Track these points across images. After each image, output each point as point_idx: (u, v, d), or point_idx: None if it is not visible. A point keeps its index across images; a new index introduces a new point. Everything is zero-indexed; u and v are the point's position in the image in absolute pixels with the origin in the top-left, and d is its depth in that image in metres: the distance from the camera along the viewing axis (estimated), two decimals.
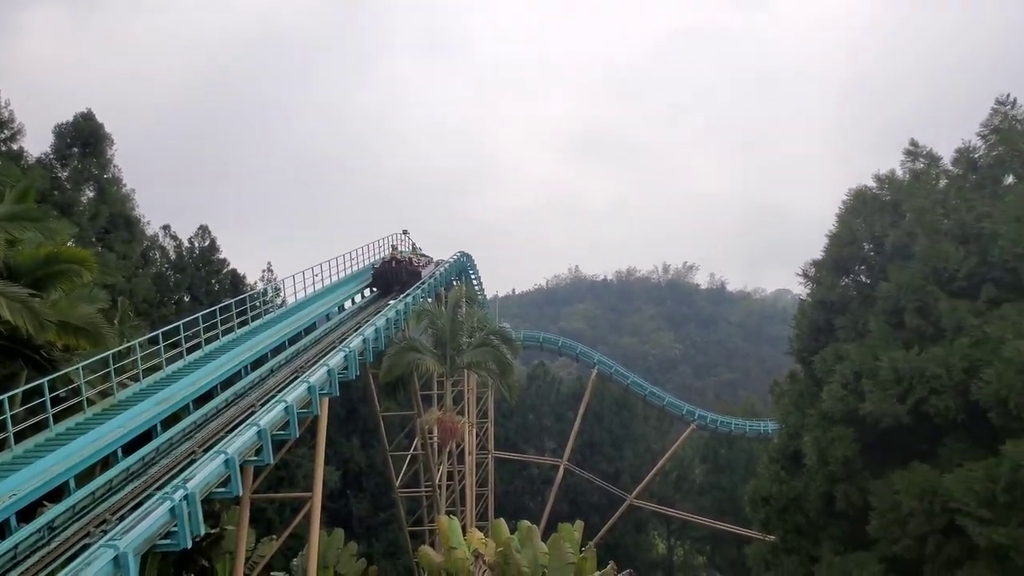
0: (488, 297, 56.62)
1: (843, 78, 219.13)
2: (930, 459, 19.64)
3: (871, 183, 24.39)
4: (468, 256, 46.74)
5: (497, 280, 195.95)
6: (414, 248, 38.22)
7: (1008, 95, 22.57)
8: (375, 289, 33.69)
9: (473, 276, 48.10)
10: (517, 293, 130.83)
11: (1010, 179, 22.48)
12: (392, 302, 30.39)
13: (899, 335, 21.23)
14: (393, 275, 33.56)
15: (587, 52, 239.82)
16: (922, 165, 23.83)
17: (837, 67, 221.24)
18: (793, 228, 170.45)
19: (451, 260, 41.64)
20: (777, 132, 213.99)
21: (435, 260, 39.91)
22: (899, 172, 24.20)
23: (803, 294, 26.89)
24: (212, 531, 19.91)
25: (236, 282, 38.87)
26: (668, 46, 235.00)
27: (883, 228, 23.01)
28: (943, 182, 23.33)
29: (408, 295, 31.45)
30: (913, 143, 24.35)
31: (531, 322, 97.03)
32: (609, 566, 23.41)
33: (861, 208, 23.99)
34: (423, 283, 33.82)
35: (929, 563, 19.05)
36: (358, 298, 33.15)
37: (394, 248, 36.06)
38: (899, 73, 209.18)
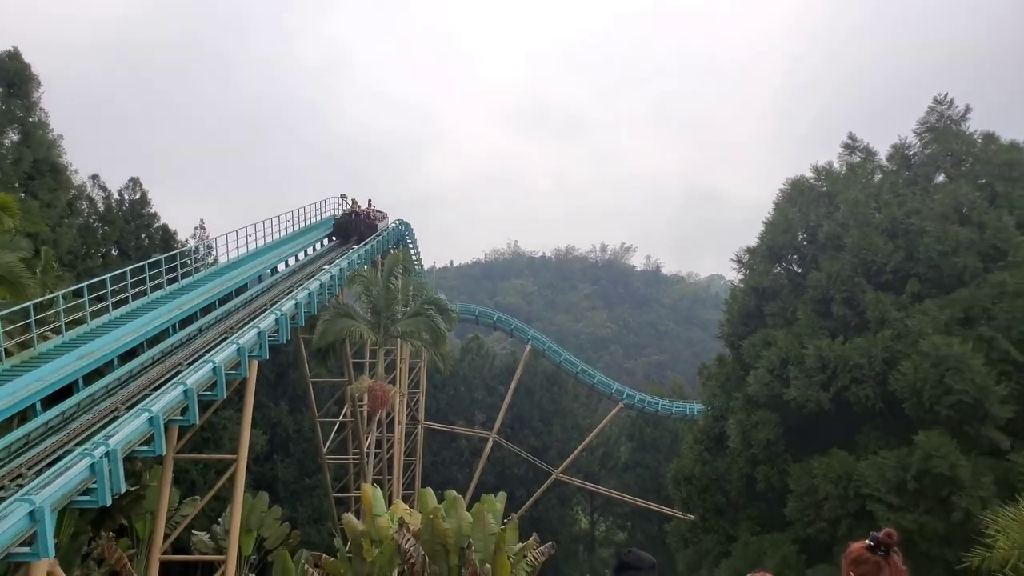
0: (425, 267, 56.15)
1: (783, 68, 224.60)
2: (848, 446, 20.58)
3: (808, 173, 25.17)
4: (407, 224, 46.08)
5: (435, 251, 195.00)
6: (370, 204, 39.85)
7: (946, 95, 23.49)
8: (335, 238, 36.28)
9: (411, 245, 47.49)
10: (455, 265, 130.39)
11: (941, 177, 23.47)
12: (356, 247, 33.01)
13: (826, 324, 22.07)
14: (352, 226, 36.79)
15: (536, 24, 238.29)
16: (858, 159, 24.66)
17: (778, 56, 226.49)
18: (729, 214, 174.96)
19: (389, 227, 40.98)
20: (718, 118, 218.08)
21: (387, 215, 41.65)
22: (836, 164, 25.02)
23: (736, 280, 27.66)
24: (133, 489, 19.28)
25: (167, 238, 37.34)
26: (618, 24, 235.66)
27: (818, 218, 23.79)
28: (878, 176, 24.18)
29: (367, 243, 34.25)
30: (851, 137, 25.19)
31: (468, 295, 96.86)
32: (532, 538, 23.75)
33: (798, 197, 24.73)
34: (379, 234, 37.03)
35: (839, 545, 20.02)
36: (301, 255, 33.16)
37: (354, 202, 38.39)
38: (838, 65, 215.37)
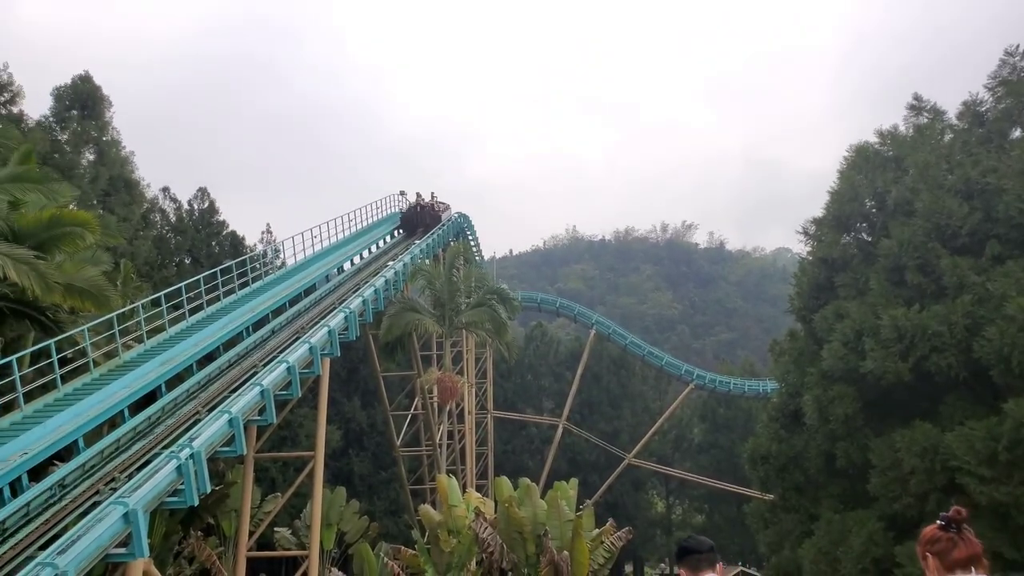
0: (485, 258, 56.48)
1: (846, 30, 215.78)
2: (931, 417, 19.73)
3: (873, 139, 24.14)
4: (465, 217, 46.44)
5: (494, 241, 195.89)
6: (433, 196, 41.60)
7: (1017, 46, 22.15)
8: (402, 231, 38.80)
9: (470, 236, 47.83)
10: (514, 254, 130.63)
11: (1017, 132, 22.19)
12: (417, 241, 34.82)
13: (901, 293, 21.18)
14: (418, 218, 39.14)
15: (587, 3, 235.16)
16: (926, 120, 23.52)
17: (839, 20, 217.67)
18: (792, 185, 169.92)
19: (449, 221, 41.42)
20: (774, 88, 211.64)
21: (450, 206, 43.20)
22: (902, 127, 23.93)
23: (804, 252, 26.80)
24: (217, 489, 20.10)
25: (236, 244, 38.71)
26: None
27: (885, 184, 22.80)
28: (948, 137, 23.03)
29: (428, 236, 36.11)
30: (917, 97, 24.02)
31: (528, 283, 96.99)
32: (608, 523, 23.72)
33: (863, 164, 23.75)
34: (443, 225, 38.86)
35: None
36: (366, 253, 34.38)
37: (418, 195, 40.49)
38: (903, 26, 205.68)
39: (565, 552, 20.90)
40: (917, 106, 23.69)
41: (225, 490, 21.73)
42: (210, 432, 14.11)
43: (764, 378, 52.59)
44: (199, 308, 21.51)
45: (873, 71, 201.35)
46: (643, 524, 54.36)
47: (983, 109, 22.81)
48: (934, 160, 21.77)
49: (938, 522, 2.91)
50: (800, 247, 27.44)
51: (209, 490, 14.01)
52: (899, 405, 20.90)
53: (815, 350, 23.40)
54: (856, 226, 23.98)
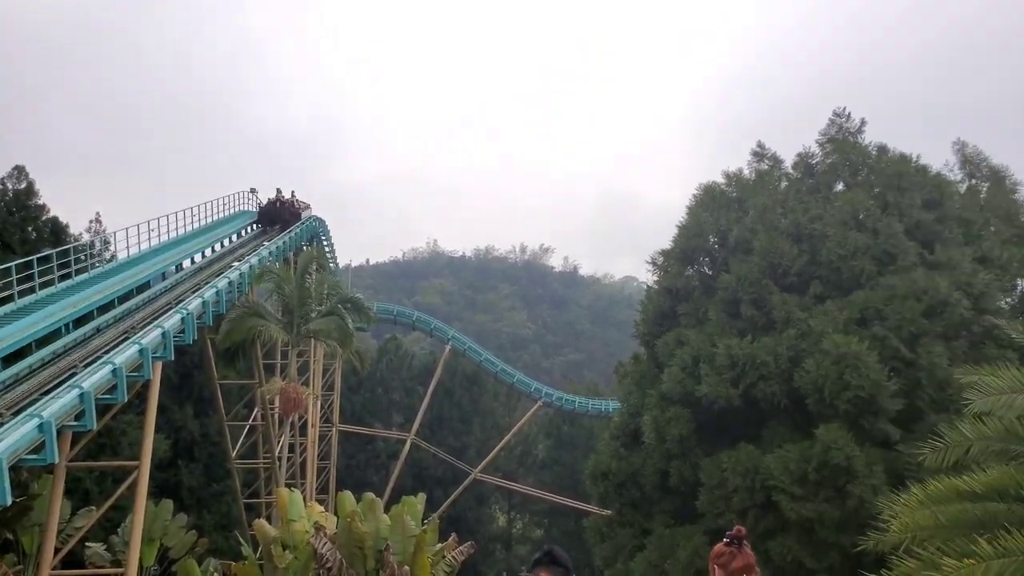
0: (340, 265, 55.02)
1: (700, 74, 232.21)
2: (756, 440, 21.36)
3: (720, 179, 26.02)
4: (321, 220, 44.99)
5: (352, 250, 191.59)
6: (293, 194, 40.61)
7: (844, 108, 24.77)
8: (259, 226, 37.92)
9: (325, 242, 46.46)
10: (372, 263, 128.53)
11: (840, 185, 24.70)
12: (269, 241, 33.90)
13: (735, 324, 22.85)
14: (277, 214, 38.45)
15: (455, 29, 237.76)
16: (766, 166, 25.68)
17: (695, 62, 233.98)
18: (644, 217, 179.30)
19: (300, 225, 39.99)
20: (633, 122, 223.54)
21: (311, 206, 42.43)
22: (746, 171, 25.97)
23: (650, 281, 28.30)
24: (18, 500, 17.99)
25: (58, 231, 34.91)
26: (538, 19, 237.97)
27: (728, 222, 24.61)
28: (784, 184, 25.24)
29: (291, 231, 35.62)
30: (760, 145, 26.21)
31: (385, 294, 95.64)
32: (451, 538, 23.61)
33: (710, 202, 25.53)
34: (302, 223, 38.26)
35: (748, 535, 20.75)
36: (208, 252, 32.40)
37: (279, 191, 39.73)
38: (749, 72, 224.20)
39: (406, 567, 20.51)
40: (760, 153, 25.83)
41: (28, 502, 19.50)
42: (14, 437, 12.64)
43: (607, 398, 54.82)
44: (8, 299, 19.32)
45: (719, 114, 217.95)
46: (484, 539, 54.63)
47: (814, 162, 25.25)
48: (771, 204, 23.78)
49: (724, 539, 3.48)
50: (646, 276, 29.06)
51: (9, 502, 12.47)
52: (729, 428, 22.44)
53: (656, 373, 24.70)
54: (700, 260, 25.65)
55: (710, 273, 25.40)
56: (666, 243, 26.23)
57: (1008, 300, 22.81)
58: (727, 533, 3.49)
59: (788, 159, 26.14)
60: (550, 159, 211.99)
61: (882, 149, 25.21)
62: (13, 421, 13.47)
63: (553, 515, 57.99)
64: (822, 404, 20.17)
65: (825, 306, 21.69)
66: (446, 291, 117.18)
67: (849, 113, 25.30)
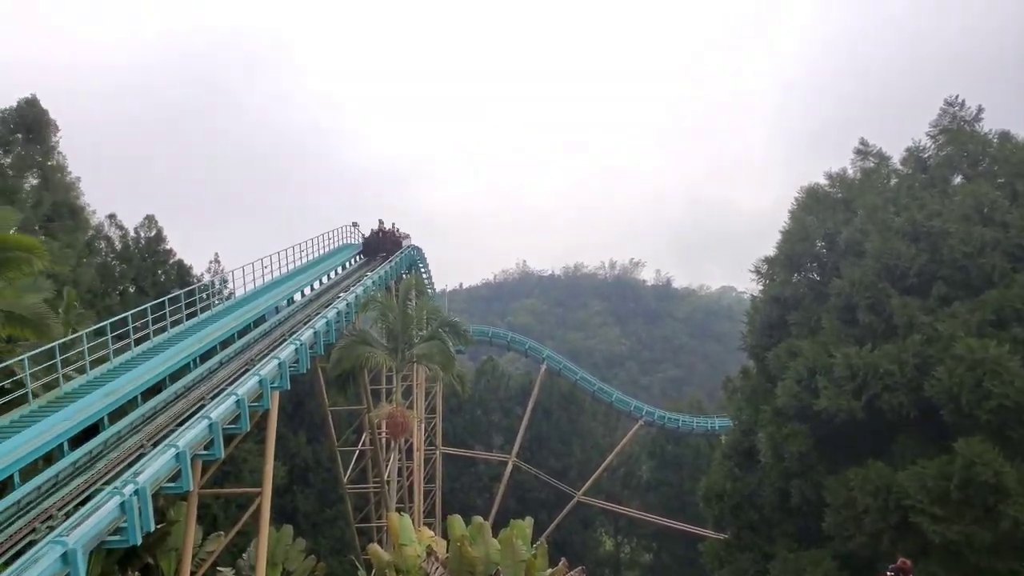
0: (437, 290, 56.05)
1: (786, 79, 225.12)
2: (883, 455, 20.10)
3: (822, 180, 24.97)
4: (418, 249, 46.12)
5: (445, 274, 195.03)
6: (393, 225, 42.93)
7: (957, 97, 23.34)
8: (363, 256, 39.92)
9: (423, 269, 47.45)
10: (464, 287, 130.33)
11: (958, 178, 23.22)
12: (369, 272, 35.11)
13: (852, 332, 21.72)
14: (380, 243, 40.47)
15: (541, 43, 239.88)
16: (872, 164, 24.44)
17: (781, 67, 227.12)
18: (734, 225, 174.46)
19: (400, 254, 41.16)
20: (718, 128, 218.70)
21: (410, 236, 44.43)
22: (850, 170, 24.80)
23: (755, 290, 27.38)
24: (158, 527, 18.99)
25: (183, 273, 37.56)
26: (620, 33, 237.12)
27: (835, 225, 23.53)
28: (893, 181, 23.95)
29: (392, 260, 37.47)
30: (863, 142, 25.00)
31: (478, 317, 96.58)
32: (561, 563, 23.31)
33: (813, 205, 24.50)
34: (402, 251, 40.09)
35: (883, 560, 19.47)
36: (325, 279, 34.17)
37: (381, 222, 41.85)
38: (842, 74, 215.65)
39: None
40: (864, 150, 24.64)
41: (166, 528, 20.57)
42: (156, 467, 13.34)
43: (712, 415, 53.11)
44: (145, 338, 20.58)
45: (809, 116, 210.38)
46: (591, 563, 53.64)
47: (925, 156, 23.85)
48: (881, 203, 22.59)
49: (888, 572, 3.50)
50: (748, 285, 28.20)
51: (153, 528, 13.18)
52: (851, 443, 21.27)
53: (768, 388, 23.74)
54: (807, 265, 24.63)
55: (819, 279, 24.33)
56: (766, 250, 25.37)
57: None
58: (891, 566, 3.30)
59: (895, 155, 24.82)
60: (636, 172, 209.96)
61: (1004, 136, 23.54)
62: (153, 452, 14.23)
63: (662, 539, 56.44)
64: (959, 415, 18.79)
65: (953, 308, 20.32)
66: (537, 310, 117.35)
67: (963, 101, 23.81)
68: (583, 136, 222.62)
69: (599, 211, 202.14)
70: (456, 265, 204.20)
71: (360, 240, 41.87)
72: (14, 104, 33.21)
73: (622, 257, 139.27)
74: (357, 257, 39.86)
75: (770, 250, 25.57)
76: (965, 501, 17.76)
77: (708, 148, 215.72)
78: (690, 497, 48.47)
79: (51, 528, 11.47)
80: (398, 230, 42.43)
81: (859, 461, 20.13)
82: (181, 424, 16.37)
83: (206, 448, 15.99)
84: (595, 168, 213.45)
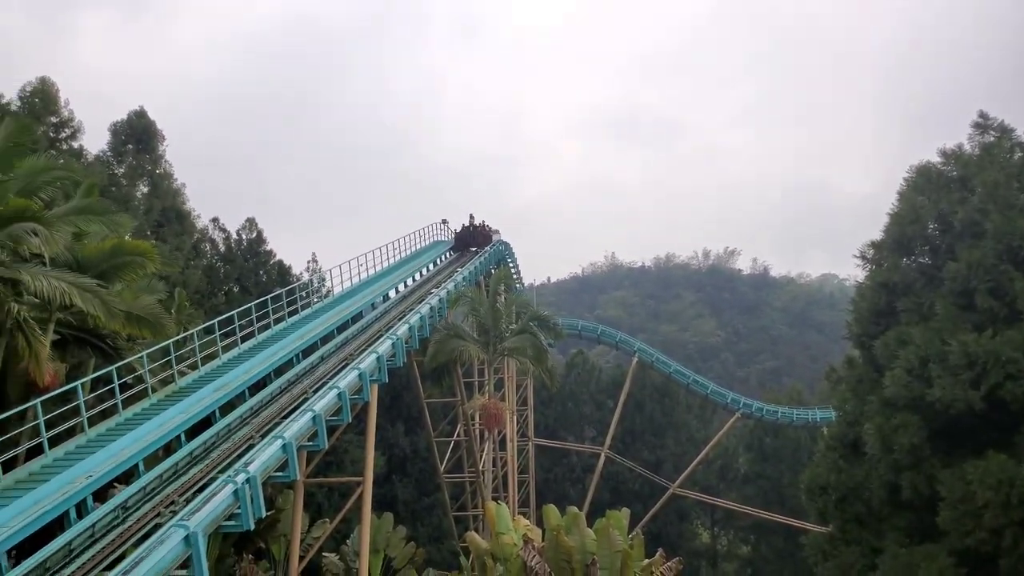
0: (525, 285, 56.42)
1: (882, 58, 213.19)
2: (1006, 448, 18.83)
3: (935, 158, 23.47)
4: (506, 244, 46.60)
5: (532, 268, 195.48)
6: (484, 222, 44.47)
7: None
8: (455, 251, 41.55)
9: (511, 264, 47.90)
10: (553, 281, 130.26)
11: None
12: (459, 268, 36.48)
13: (969, 318, 20.39)
14: (471, 238, 42.28)
15: (624, 28, 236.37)
16: (992, 138, 22.78)
17: (877, 46, 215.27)
18: (835, 210, 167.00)
19: (490, 249, 41.72)
20: (815, 112, 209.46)
21: (499, 231, 45.84)
22: (967, 146, 23.20)
23: (860, 276, 26.03)
24: (268, 513, 20.04)
25: (283, 272, 39.20)
26: (708, 22, 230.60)
27: (950, 205, 22.08)
28: (1017, 155, 22.26)
29: (482, 254, 39.34)
30: (982, 115, 23.29)
31: (567, 310, 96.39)
32: (658, 554, 23.05)
33: (925, 185, 23.06)
34: (492, 245, 41.89)
35: (1005, 557, 18.27)
36: (418, 276, 35.21)
37: (471, 217, 43.53)
38: (941, 52, 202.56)
39: None
40: (983, 124, 22.98)
41: (276, 515, 21.68)
42: (264, 457, 14.08)
43: (812, 407, 51.22)
44: (250, 335, 21.72)
45: (913, 98, 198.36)
46: (688, 555, 52.58)
47: None
48: (1004, 179, 21.03)
49: None
50: (852, 271, 26.89)
51: (264, 515, 13.92)
52: (969, 435, 20.00)
53: (875, 377, 22.61)
54: (918, 249, 23.25)
55: (931, 263, 22.91)
56: (871, 235, 24.05)
57: None
58: None
59: (1020, 129, 22.98)
60: (731, 156, 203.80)
61: None
62: (262, 443, 15.01)
63: (760, 531, 54.98)
64: None
65: None
66: (627, 303, 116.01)
67: None
68: (674, 119, 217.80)
69: (691, 199, 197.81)
70: (544, 260, 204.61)
71: (450, 236, 42.69)
72: (125, 116, 35.54)
73: (716, 246, 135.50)
74: (448, 253, 40.74)
75: (876, 234, 24.26)
76: None
77: (808, 129, 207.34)
78: (789, 490, 46.94)
79: (174, 513, 12.28)
80: (487, 226, 43.50)
81: (978, 454, 18.89)
82: (286, 417, 17.16)
83: (310, 439, 16.75)
84: (687, 153, 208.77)
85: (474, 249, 41.15)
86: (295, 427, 15.68)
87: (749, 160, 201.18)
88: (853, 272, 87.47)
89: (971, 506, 18.52)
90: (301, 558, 20.55)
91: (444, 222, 42.99)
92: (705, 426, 59.35)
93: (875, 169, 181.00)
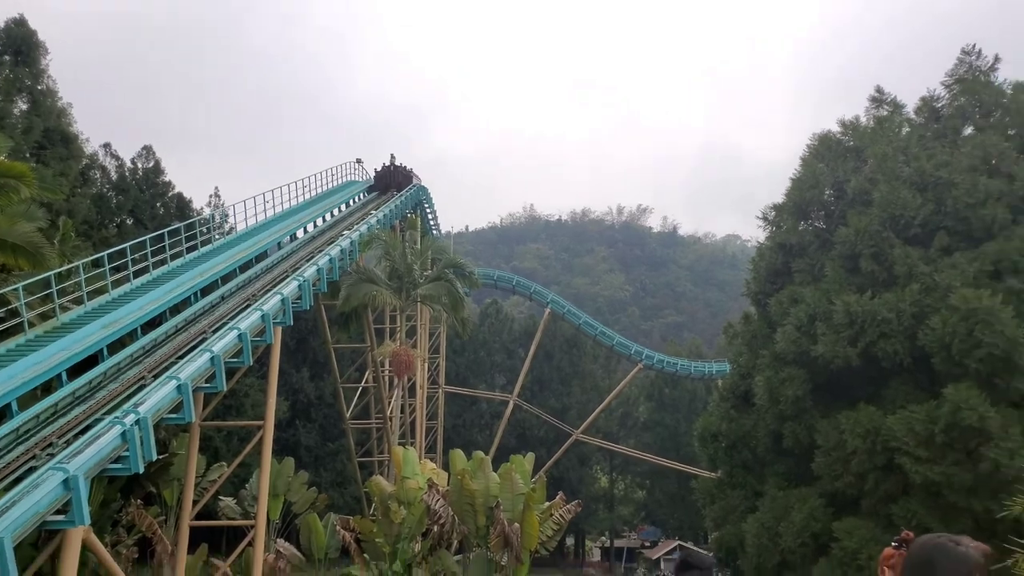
0: (442, 232, 55.94)
1: (801, 28, 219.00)
2: (876, 401, 20.31)
3: (835, 128, 24.49)
4: (424, 189, 45.78)
5: (450, 216, 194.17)
6: (403, 164, 43.95)
7: (974, 46, 22.67)
8: (373, 192, 40.38)
9: (428, 209, 47.28)
10: (471, 230, 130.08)
11: (969, 129, 22.75)
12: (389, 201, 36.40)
13: (854, 280, 21.64)
14: (391, 177, 41.26)
15: None
16: (886, 112, 23.92)
17: (796, 16, 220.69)
18: (745, 175, 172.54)
19: (407, 192, 40.89)
20: (734, 77, 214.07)
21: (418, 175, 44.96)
22: (863, 118, 24.29)
23: (759, 238, 27.19)
24: (160, 457, 19.48)
25: (183, 207, 37.26)
26: None
27: (845, 173, 23.19)
28: (905, 130, 23.48)
29: (400, 196, 38.11)
30: (879, 90, 24.40)
31: (484, 260, 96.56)
32: (558, 497, 23.91)
33: (825, 152, 24.09)
34: (410, 188, 40.75)
35: (867, 498, 19.90)
36: (328, 216, 33.93)
37: (392, 156, 42.77)
38: (860, 23, 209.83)
39: (516, 524, 20.97)
40: (878, 98, 24.08)
41: (168, 458, 21.09)
42: (157, 398, 13.55)
43: (710, 360, 53.66)
44: (144, 271, 20.63)
45: (826, 62, 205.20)
46: (587, 498, 54.97)
47: (939, 105, 23.33)
48: (892, 152, 22.19)
49: (892, 543, 3.58)
50: (754, 233, 28.00)
51: (155, 458, 13.48)
52: (846, 388, 21.44)
53: (768, 333, 23.83)
54: (815, 213, 24.37)
55: (825, 227, 24.11)
56: (775, 198, 25.03)
57: None
58: (895, 538, 3.52)
59: (910, 104, 24.24)
60: (650, 118, 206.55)
61: (1019, 87, 22.93)
62: (155, 383, 14.42)
63: (655, 476, 57.82)
64: (950, 363, 18.91)
65: (953, 259, 20.20)
66: (543, 255, 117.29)
67: (980, 50, 23.13)
68: (596, 80, 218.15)
69: (610, 157, 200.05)
70: (463, 207, 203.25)
71: (365, 177, 41.55)
72: (1, 24, 32.11)
73: (630, 203, 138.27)
74: (362, 194, 39.57)
75: (780, 198, 25.29)
76: (948, 444, 18.08)
77: (724, 96, 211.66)
78: (684, 438, 49.46)
79: (51, 455, 11.70)
80: (407, 168, 42.76)
81: (852, 406, 20.36)
82: (182, 357, 16.53)
83: (208, 381, 16.20)
84: (608, 113, 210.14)
85: (394, 190, 40.39)
86: (191, 368, 15.12)
87: (667, 123, 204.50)
88: (755, 234, 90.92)
89: (842, 453, 20.00)
90: (195, 502, 20.11)
91: (359, 161, 41.57)
92: (609, 376, 61.33)
93: (790, 136, 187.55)
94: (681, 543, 54.45)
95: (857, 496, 20.24)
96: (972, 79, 23.30)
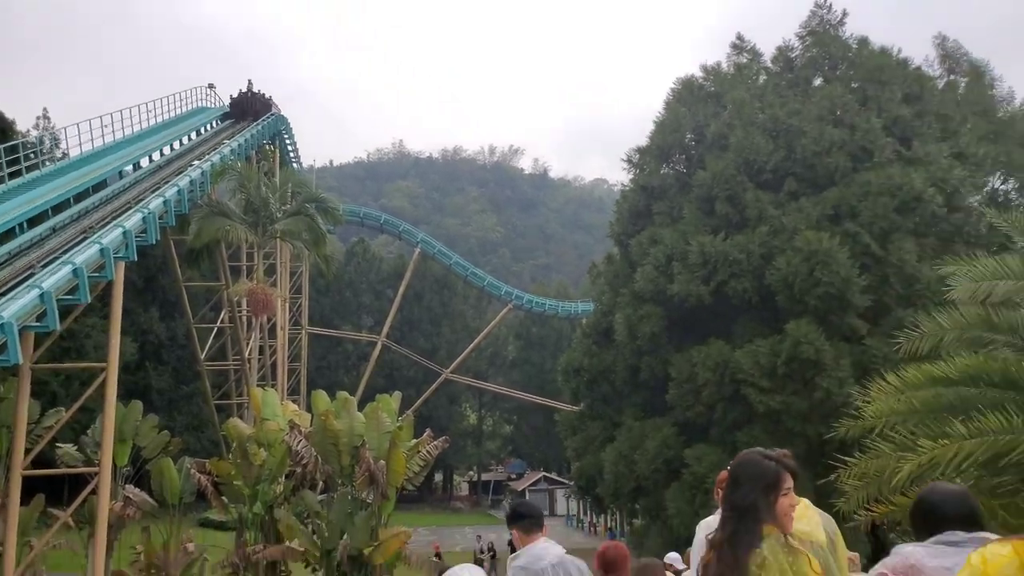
0: (304, 166, 53.49)
1: None
2: (726, 336, 21.68)
3: (699, 73, 25.24)
4: (283, 118, 43.19)
5: (314, 150, 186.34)
6: (261, 91, 41.30)
7: (827, 0, 23.83)
8: (229, 118, 38.03)
9: (288, 141, 44.82)
10: (335, 165, 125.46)
11: (819, 80, 24.12)
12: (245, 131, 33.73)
13: (710, 222, 22.74)
14: (249, 104, 38.87)
15: None
16: (745, 60, 24.89)
17: None
18: (620, 122, 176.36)
19: (264, 120, 38.46)
20: (610, 13, 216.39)
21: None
22: (724, 65, 25.17)
23: (624, 182, 27.92)
24: None
25: (4, 127, 33.09)
26: None
27: (706, 118, 24.05)
28: (763, 78, 24.57)
29: (257, 124, 35.51)
30: (740, 37, 25.33)
31: (351, 196, 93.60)
32: (426, 433, 24.01)
33: (687, 97, 24.84)
34: (268, 117, 38.38)
35: (715, 427, 21.40)
36: (177, 144, 31.41)
37: (250, 82, 40.04)
38: None
39: (382, 461, 20.87)
40: (739, 46, 24.97)
41: None
42: None
43: (576, 300, 55.41)
44: None
45: (708, 12, 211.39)
46: (455, 435, 55.96)
47: (793, 55, 24.52)
48: (749, 99, 23.19)
49: (728, 467, 3.65)
50: (620, 176, 28.73)
51: None
52: (699, 325, 22.73)
53: (629, 273, 24.73)
54: (676, 157, 25.20)
55: (686, 171, 25.05)
56: (641, 142, 25.67)
57: (977, 198, 22.94)
58: (731, 464, 3.58)
59: (768, 53, 25.35)
60: (521, 56, 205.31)
61: (863, 42, 24.51)
62: None
63: (522, 412, 59.63)
64: (792, 300, 20.42)
65: (799, 203, 21.63)
66: (413, 194, 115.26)
67: (831, 4, 24.42)
68: (471, 14, 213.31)
69: (482, 95, 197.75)
70: (326, 140, 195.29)
71: (218, 103, 38.67)
72: None
73: (502, 143, 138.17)
74: (215, 122, 36.83)
75: (646, 142, 25.88)
76: (788, 375, 19.70)
77: (602, 38, 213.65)
78: (550, 375, 51.14)
79: None
80: (265, 95, 40.10)
81: (704, 341, 21.66)
82: (5, 293, 14.92)
83: (38, 319, 14.78)
84: (483, 49, 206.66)
85: (251, 118, 37.98)
86: (16, 305, 13.67)
87: (540, 64, 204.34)
88: (622, 177, 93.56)
89: (693, 385, 21.31)
90: (28, 450, 18.47)
91: (211, 86, 38.52)
92: (480, 316, 61.94)
93: (663, 85, 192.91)
94: (546, 474, 56.89)
95: (706, 425, 21.71)
96: (823, 32, 24.60)
